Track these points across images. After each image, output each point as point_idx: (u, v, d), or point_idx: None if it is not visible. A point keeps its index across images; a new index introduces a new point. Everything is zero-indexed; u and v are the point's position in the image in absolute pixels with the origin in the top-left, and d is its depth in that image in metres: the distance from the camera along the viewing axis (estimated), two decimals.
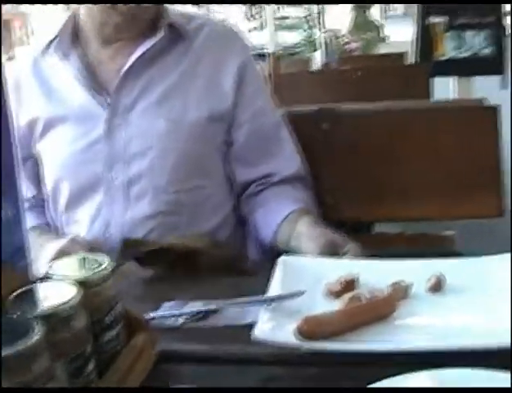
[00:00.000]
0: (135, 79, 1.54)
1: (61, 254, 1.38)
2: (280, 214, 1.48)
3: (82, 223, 1.55)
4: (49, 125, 1.58)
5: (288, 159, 1.60)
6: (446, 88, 4.97)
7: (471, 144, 1.79)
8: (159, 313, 1.07)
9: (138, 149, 1.51)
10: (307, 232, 1.38)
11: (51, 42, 1.59)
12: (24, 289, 0.78)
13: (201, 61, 1.57)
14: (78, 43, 1.59)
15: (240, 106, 1.56)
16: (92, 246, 1.45)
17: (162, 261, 1.31)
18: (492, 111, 1.77)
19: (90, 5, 1.52)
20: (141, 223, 1.50)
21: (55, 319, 0.73)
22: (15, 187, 0.82)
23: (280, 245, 1.45)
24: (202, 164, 1.55)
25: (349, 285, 1.06)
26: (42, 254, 1.38)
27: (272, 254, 1.45)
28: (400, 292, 1.04)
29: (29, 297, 0.77)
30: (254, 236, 1.57)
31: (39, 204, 1.63)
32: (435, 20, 5.00)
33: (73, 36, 1.59)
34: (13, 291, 0.77)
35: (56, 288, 0.79)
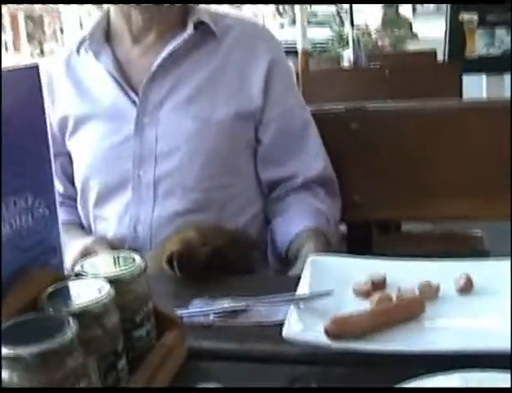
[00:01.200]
0: (164, 78, 1.55)
1: (85, 253, 1.41)
2: (296, 227, 1.50)
3: (110, 220, 1.57)
4: (80, 123, 1.60)
5: (313, 159, 1.61)
6: (477, 86, 4.94)
7: (500, 144, 1.78)
8: (189, 310, 1.08)
9: (167, 148, 1.52)
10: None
11: (84, 40, 1.60)
12: (57, 286, 0.80)
13: (230, 60, 1.57)
14: (110, 42, 1.61)
15: (268, 106, 1.57)
16: (118, 247, 1.47)
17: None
18: None
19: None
20: (169, 221, 1.51)
21: (87, 316, 0.75)
22: (51, 186, 0.84)
23: (290, 258, 1.47)
24: (230, 163, 1.56)
25: (378, 285, 1.07)
26: (66, 251, 1.40)
27: (286, 261, 1.47)
28: (429, 293, 1.04)
29: (63, 294, 0.79)
30: (272, 241, 1.58)
31: (68, 201, 1.65)
32: (466, 16, 4.97)
33: (105, 34, 1.61)
34: (48, 288, 0.79)
35: (89, 285, 0.80)
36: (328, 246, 1.46)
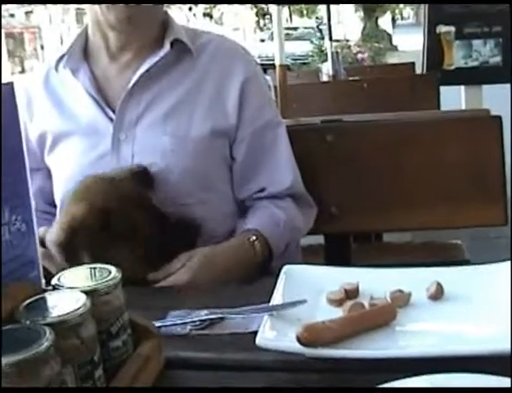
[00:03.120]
0: (140, 95, 1.57)
1: None
2: (241, 228, 1.57)
3: None
4: (58, 139, 1.61)
5: (282, 174, 1.63)
6: (456, 97, 4.99)
7: (476, 153, 1.81)
8: (166, 321, 1.10)
9: (143, 164, 1.53)
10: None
11: (62, 57, 1.62)
12: (35, 298, 0.82)
13: (206, 78, 1.59)
14: (88, 59, 1.62)
15: (241, 125, 1.59)
16: None
17: None
18: (497, 121, 1.80)
19: (95, 21, 1.54)
20: None
21: (64, 327, 0.77)
22: (27, 201, 0.85)
23: None
24: (206, 179, 1.58)
25: (351, 293, 1.09)
26: None
27: None
28: (400, 300, 1.07)
29: (40, 306, 0.81)
30: None
31: (41, 215, 1.65)
32: (444, 29, 5.02)
33: (83, 51, 1.62)
34: (25, 301, 0.81)
35: (66, 297, 0.82)
36: (264, 247, 1.53)
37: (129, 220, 1.36)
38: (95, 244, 1.32)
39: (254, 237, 1.52)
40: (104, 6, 1.50)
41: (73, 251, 1.31)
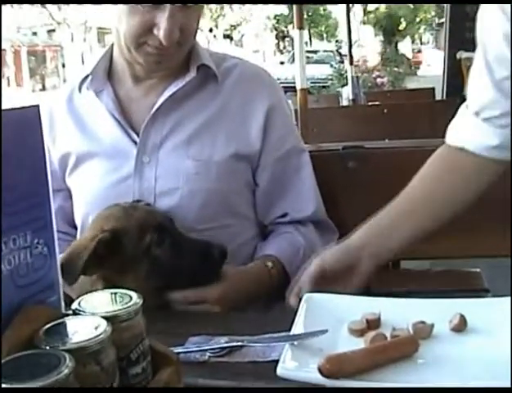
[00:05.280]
0: (165, 118, 1.56)
1: None
2: (261, 253, 1.57)
3: None
4: (81, 160, 1.61)
5: (305, 202, 1.63)
6: None
7: (495, 181, 1.79)
8: (185, 348, 1.09)
9: (166, 187, 1.53)
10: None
11: (86, 77, 1.62)
12: (55, 323, 0.81)
13: (231, 103, 1.59)
14: (112, 80, 1.62)
15: (265, 151, 1.59)
16: None
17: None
18: None
19: (123, 44, 1.53)
20: None
21: (84, 353, 0.75)
22: (50, 224, 0.85)
23: None
24: (230, 203, 1.57)
25: (372, 323, 1.08)
26: None
27: None
28: (423, 332, 1.05)
29: (60, 331, 0.80)
30: None
31: (61, 235, 1.65)
32: (464, 55, 5.01)
33: (106, 72, 1.62)
34: (45, 325, 0.80)
35: (86, 323, 0.81)
36: (281, 273, 1.52)
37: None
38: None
39: (271, 264, 1.52)
40: (133, 47, 1.49)
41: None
